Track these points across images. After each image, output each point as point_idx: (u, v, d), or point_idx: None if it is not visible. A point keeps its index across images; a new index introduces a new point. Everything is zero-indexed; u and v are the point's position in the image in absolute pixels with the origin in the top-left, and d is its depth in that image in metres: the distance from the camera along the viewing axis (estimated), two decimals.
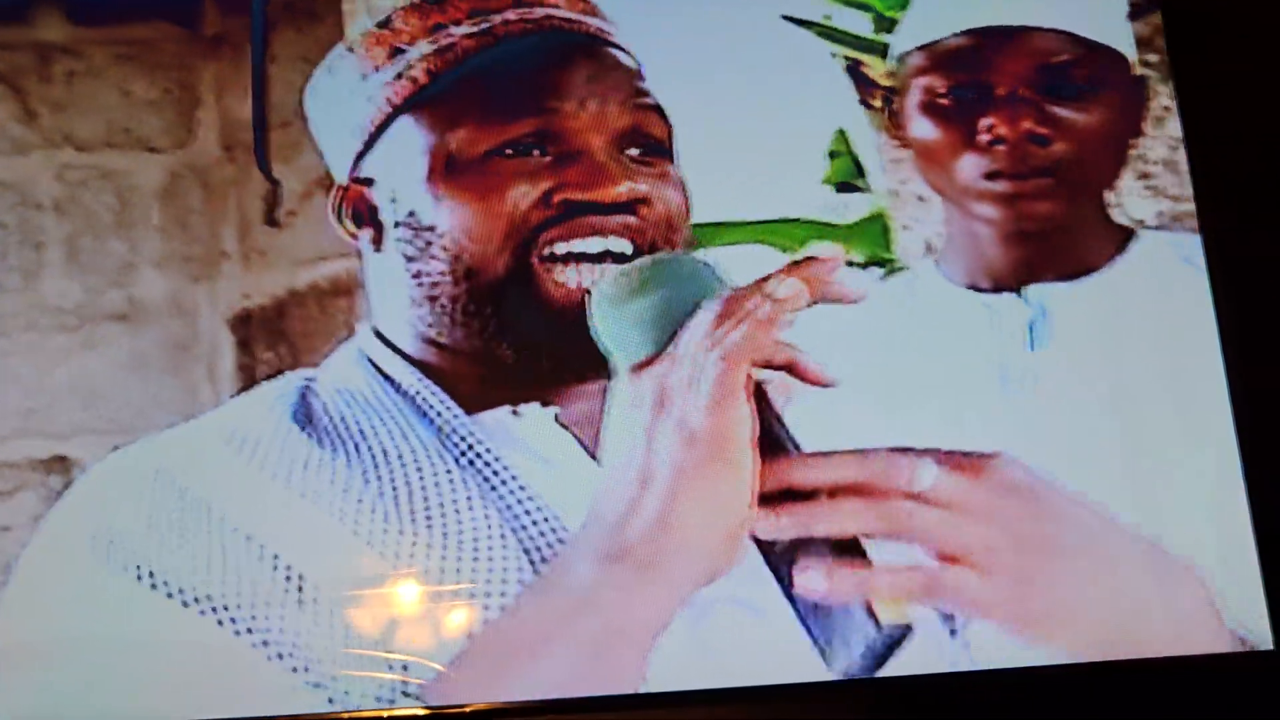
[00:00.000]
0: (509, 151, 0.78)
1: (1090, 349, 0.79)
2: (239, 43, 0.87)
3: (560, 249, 0.78)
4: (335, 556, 0.79)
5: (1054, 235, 0.80)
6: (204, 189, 0.84)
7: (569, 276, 0.77)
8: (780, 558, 0.70)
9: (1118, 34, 0.81)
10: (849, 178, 0.83)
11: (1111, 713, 0.85)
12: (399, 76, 0.80)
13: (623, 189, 0.78)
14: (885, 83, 0.84)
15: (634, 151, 0.79)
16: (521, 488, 0.77)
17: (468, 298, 0.78)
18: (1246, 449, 0.81)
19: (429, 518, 0.78)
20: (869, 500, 0.69)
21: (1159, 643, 0.73)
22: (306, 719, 0.86)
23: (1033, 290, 0.80)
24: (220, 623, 0.77)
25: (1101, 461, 0.77)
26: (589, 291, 0.74)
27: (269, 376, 0.81)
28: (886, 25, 0.83)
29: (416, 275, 0.78)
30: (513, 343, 0.78)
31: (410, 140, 0.80)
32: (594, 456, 0.78)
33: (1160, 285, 0.80)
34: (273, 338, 0.81)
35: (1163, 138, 0.80)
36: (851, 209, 0.82)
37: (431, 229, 0.79)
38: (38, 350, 0.83)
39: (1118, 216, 0.80)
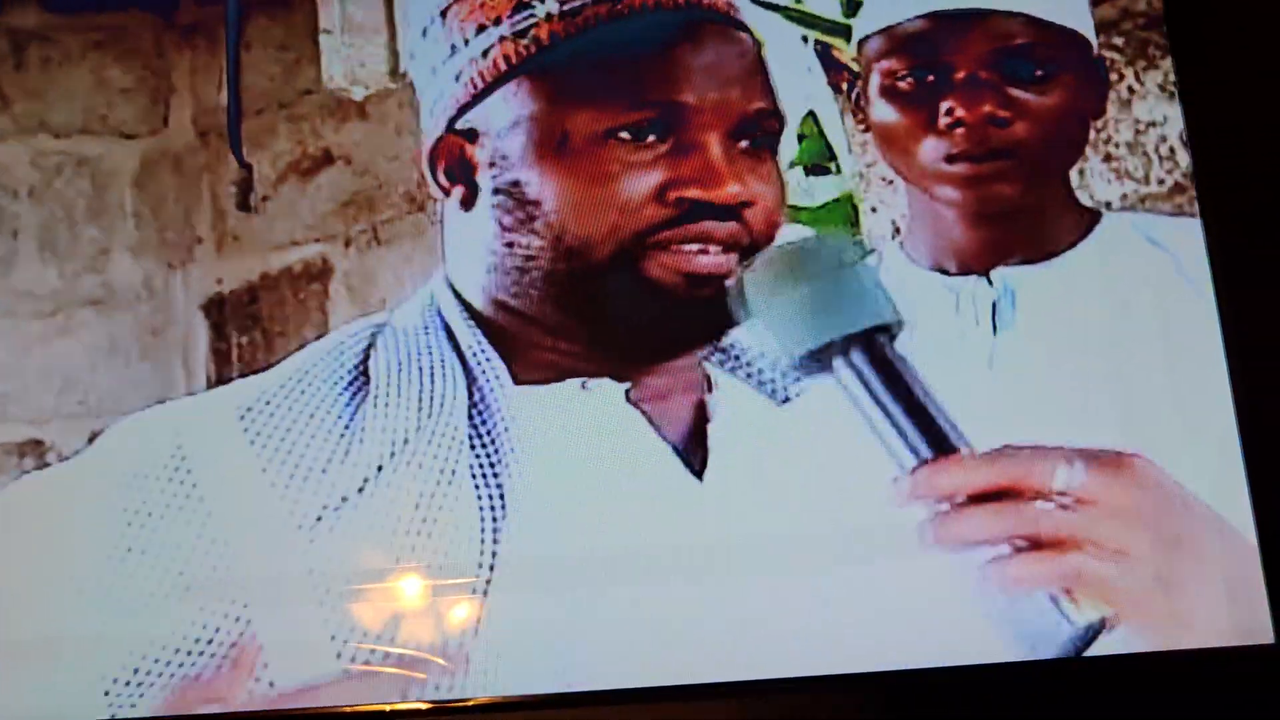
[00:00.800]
0: (624, 135, 0.78)
1: (1056, 331, 0.80)
2: (213, 30, 0.88)
3: (666, 243, 0.78)
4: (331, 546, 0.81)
5: (1017, 217, 0.81)
6: (178, 175, 0.85)
7: (669, 263, 0.77)
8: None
9: (1078, 17, 0.81)
10: (819, 160, 0.83)
11: (1112, 707, 0.84)
12: (519, 34, 0.79)
13: (733, 190, 0.78)
14: (853, 67, 0.85)
15: (744, 144, 0.79)
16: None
17: (566, 276, 0.78)
18: (1245, 438, 0.80)
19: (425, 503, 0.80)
20: (1011, 503, 0.71)
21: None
22: (307, 714, 0.86)
23: (998, 273, 0.80)
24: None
25: (1066, 442, 0.79)
26: (720, 278, 0.77)
27: (246, 360, 0.82)
28: (854, 8, 0.83)
29: (510, 244, 0.79)
30: (602, 322, 0.78)
31: (522, 105, 0.79)
32: (662, 435, 0.79)
33: (1127, 266, 0.81)
34: (246, 322, 0.82)
35: (1128, 120, 0.81)
36: (820, 191, 0.83)
37: (536, 204, 0.78)
38: (12, 336, 0.84)
39: (1083, 199, 0.81)
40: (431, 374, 0.79)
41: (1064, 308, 0.81)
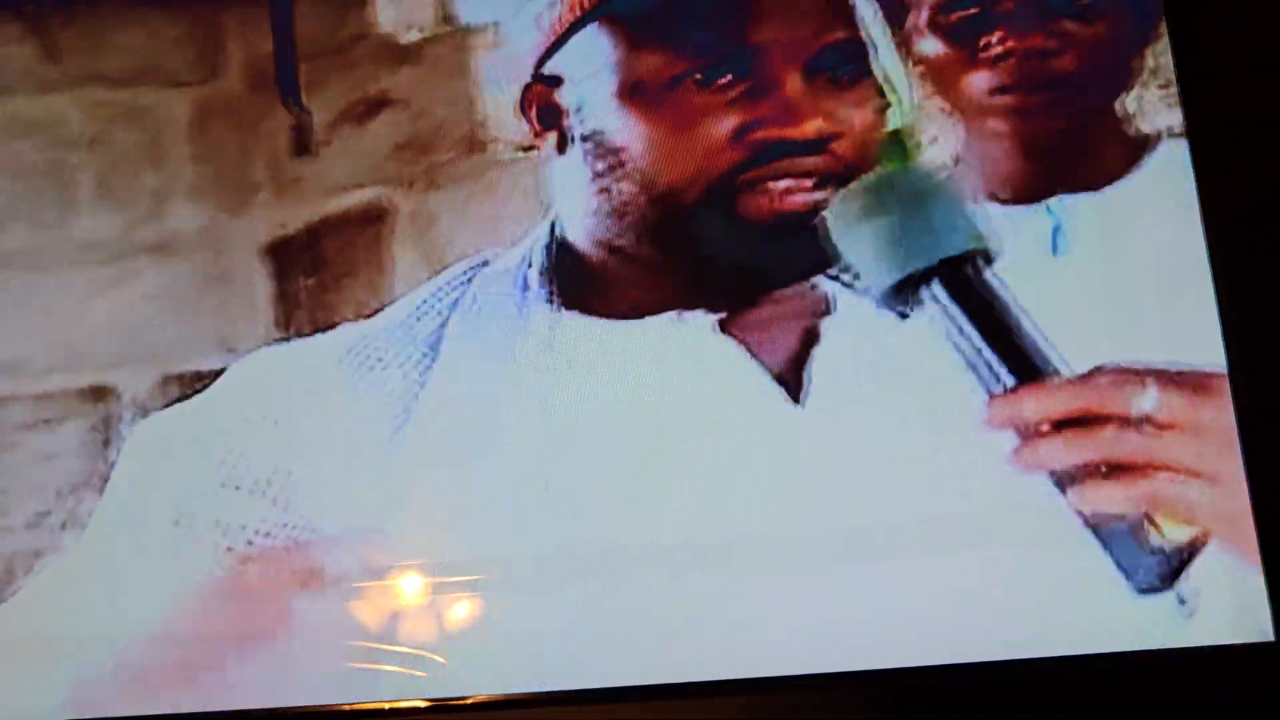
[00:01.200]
0: (698, 78, 0.79)
1: (1109, 258, 0.81)
2: None
3: (754, 182, 0.79)
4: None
5: (1068, 147, 0.82)
6: (232, 122, 0.86)
7: (761, 202, 0.79)
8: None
9: None
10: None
11: (1112, 705, 0.85)
12: None
13: (813, 125, 0.79)
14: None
15: (828, 74, 0.80)
16: None
17: (660, 218, 0.80)
18: (1245, 438, 0.80)
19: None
20: (1095, 429, 0.73)
21: None
22: (307, 713, 0.88)
23: (1054, 202, 0.81)
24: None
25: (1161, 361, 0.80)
26: (813, 213, 0.78)
27: (310, 304, 0.84)
28: None
29: (604, 190, 0.81)
30: (699, 258, 0.80)
31: (599, 51, 0.81)
32: (760, 361, 0.80)
33: (1184, 191, 0.82)
34: (310, 265, 0.82)
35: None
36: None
37: (622, 149, 0.81)
38: (76, 284, 0.84)
39: (1143, 126, 0.82)
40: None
41: (1121, 234, 0.82)
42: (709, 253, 0.81)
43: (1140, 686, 0.82)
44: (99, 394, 0.81)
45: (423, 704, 0.88)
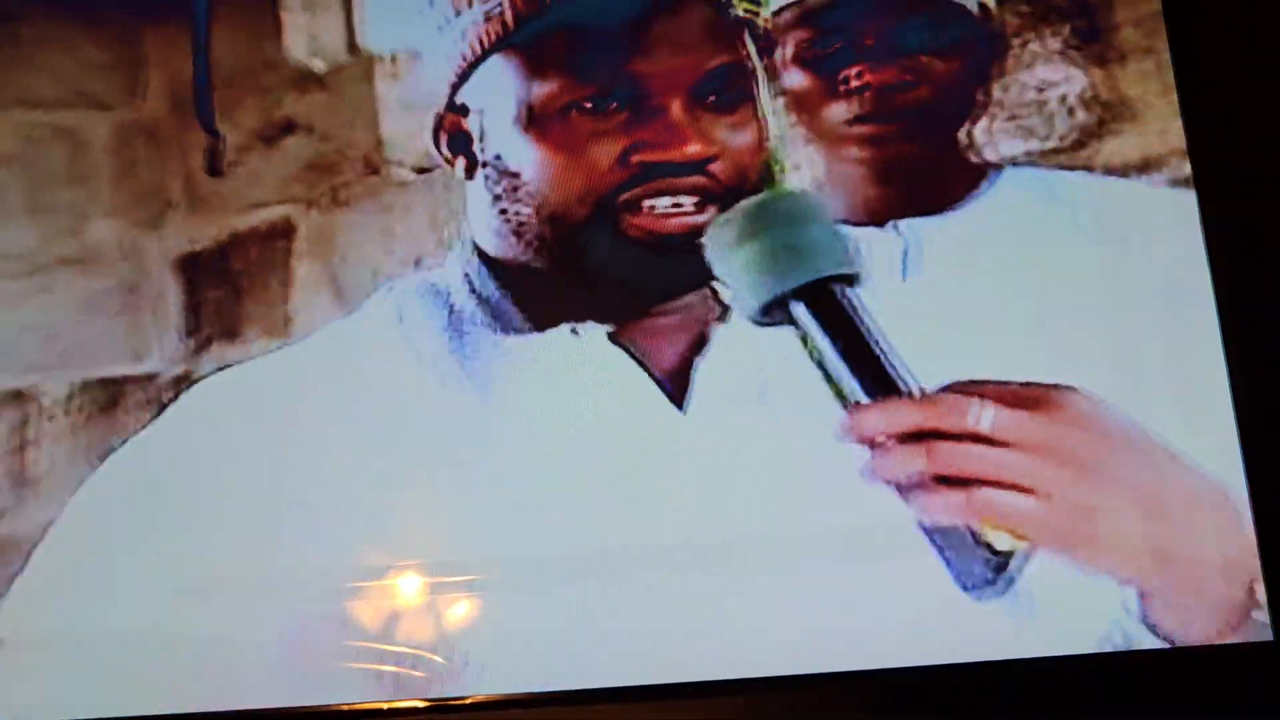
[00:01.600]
0: (588, 105, 0.85)
1: (958, 277, 0.87)
2: (182, 7, 0.94)
3: (635, 202, 0.85)
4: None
5: (918, 173, 0.88)
6: (151, 143, 0.91)
7: (643, 221, 0.85)
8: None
9: None
10: None
11: (1112, 703, 0.85)
12: (488, 17, 0.87)
13: (694, 148, 0.85)
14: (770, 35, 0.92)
15: (712, 99, 0.85)
16: None
17: (551, 237, 0.86)
18: (1244, 440, 0.83)
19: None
20: (932, 444, 0.78)
21: (1199, 567, 0.80)
22: (306, 713, 0.90)
23: (903, 223, 0.87)
24: None
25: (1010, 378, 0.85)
26: (694, 233, 0.83)
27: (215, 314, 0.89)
28: None
29: (503, 212, 0.87)
30: (586, 275, 0.86)
31: (498, 83, 0.87)
32: (647, 368, 0.86)
33: (1026, 217, 0.87)
34: (218, 278, 0.88)
35: (1032, 80, 0.88)
36: None
37: (517, 175, 0.87)
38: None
39: (986, 155, 0.88)
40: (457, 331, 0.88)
41: (968, 255, 0.88)
42: (598, 267, 0.86)
43: (1139, 686, 0.83)
44: (13, 399, 0.87)
45: (421, 704, 0.89)
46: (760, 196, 0.84)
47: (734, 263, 0.81)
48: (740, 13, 0.89)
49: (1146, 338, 0.84)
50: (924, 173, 0.87)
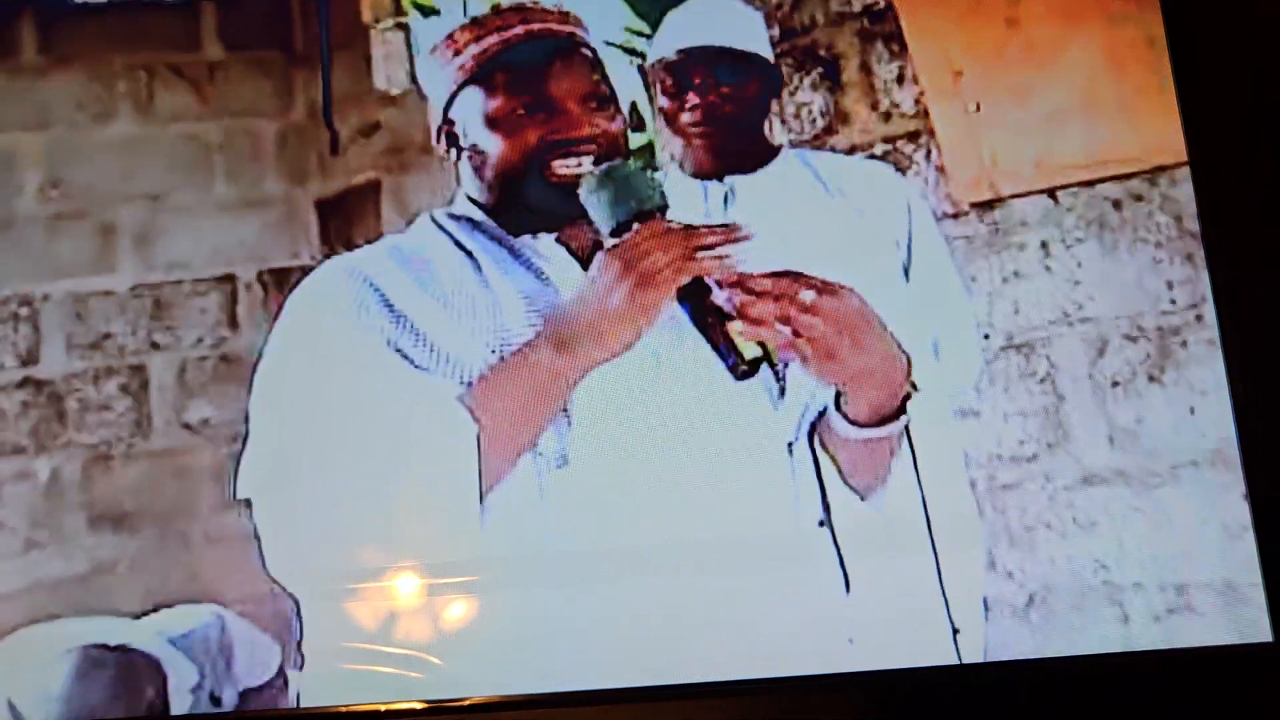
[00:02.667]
0: (521, 111, 1.29)
1: (761, 208, 1.33)
2: (313, 54, 1.54)
3: (554, 159, 1.29)
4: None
5: (734, 150, 1.37)
6: (297, 136, 1.51)
7: (555, 171, 1.29)
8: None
9: (761, 44, 1.39)
10: (639, 126, 1.45)
11: (1111, 703, 0.88)
12: (462, 66, 1.32)
13: (585, 131, 1.29)
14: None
15: (594, 105, 1.30)
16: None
17: (505, 178, 1.30)
18: (1243, 440, 1.05)
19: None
20: (777, 302, 1.14)
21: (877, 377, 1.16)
22: (306, 713, 0.96)
23: (728, 179, 1.37)
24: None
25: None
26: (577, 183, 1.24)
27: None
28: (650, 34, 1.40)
29: (478, 170, 1.32)
30: (529, 205, 1.30)
31: (472, 102, 1.31)
32: (582, 265, 1.27)
33: (797, 176, 1.36)
34: (339, 213, 1.48)
35: (794, 101, 1.44)
36: (637, 140, 1.40)
37: (485, 153, 1.31)
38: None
39: (778, 139, 1.38)
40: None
41: (767, 196, 1.35)
42: (533, 200, 1.29)
43: (1139, 685, 0.87)
44: (227, 278, 1.49)
45: (419, 705, 0.90)
46: (616, 163, 1.28)
47: (593, 201, 1.24)
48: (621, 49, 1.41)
49: (862, 251, 1.32)
50: (739, 150, 1.38)
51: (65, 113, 1.50)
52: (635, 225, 1.21)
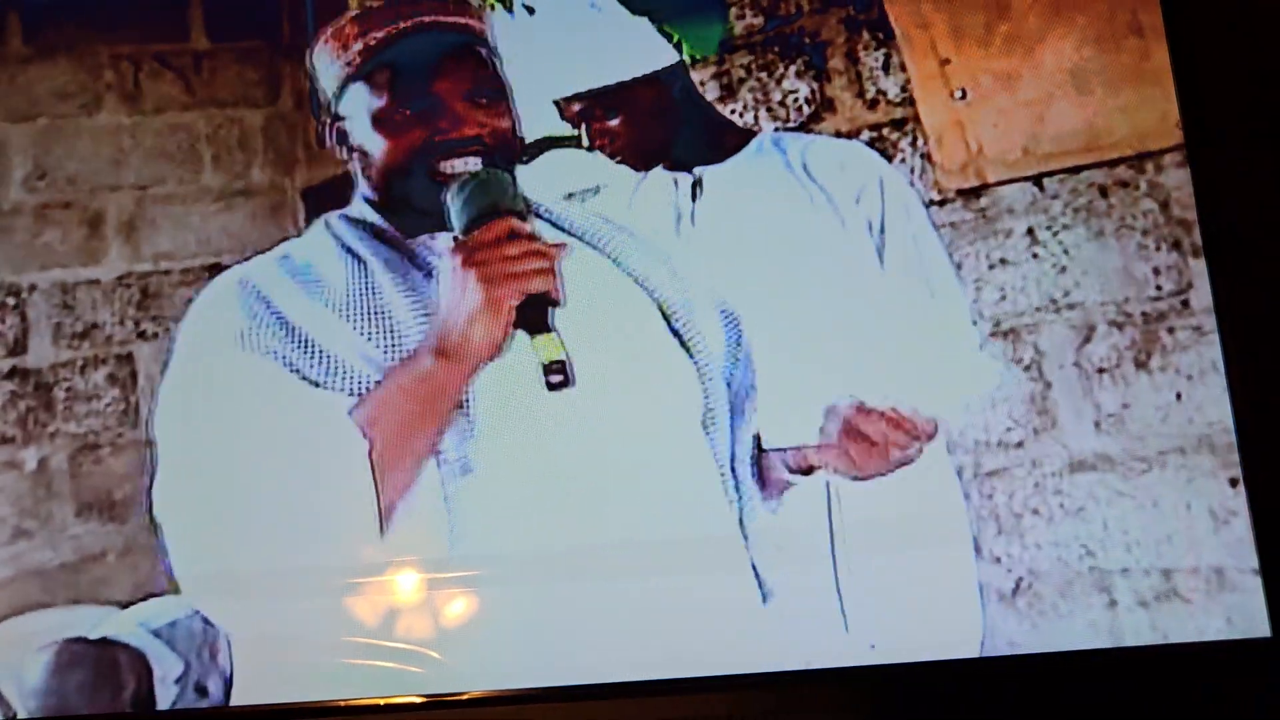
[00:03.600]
0: (408, 111, 1.30)
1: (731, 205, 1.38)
2: (301, 45, 1.54)
3: (439, 160, 1.29)
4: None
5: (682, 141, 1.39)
6: (285, 126, 1.53)
7: (443, 171, 1.29)
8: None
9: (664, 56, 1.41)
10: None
11: (1111, 699, 0.88)
12: (348, 62, 1.32)
13: (472, 130, 1.29)
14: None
15: (482, 100, 1.31)
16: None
17: (391, 179, 1.31)
18: (1243, 439, 1.05)
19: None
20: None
21: None
22: (306, 708, 0.96)
23: (697, 169, 1.38)
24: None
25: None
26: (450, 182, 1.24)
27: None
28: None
29: (364, 169, 1.33)
30: (415, 205, 1.30)
31: (357, 99, 1.32)
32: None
33: (770, 161, 1.39)
34: (325, 199, 1.49)
35: (791, 85, 1.45)
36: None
37: (370, 154, 1.32)
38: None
39: (752, 125, 1.42)
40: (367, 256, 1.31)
41: (739, 189, 1.38)
42: (418, 199, 1.29)
43: (1138, 681, 0.87)
44: (215, 267, 1.50)
45: (418, 699, 0.90)
46: (483, 170, 1.28)
47: (450, 205, 1.25)
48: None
49: (832, 235, 1.34)
50: (695, 141, 1.41)
51: (52, 103, 1.52)
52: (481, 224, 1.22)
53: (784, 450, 1.20)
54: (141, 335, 1.46)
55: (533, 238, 1.22)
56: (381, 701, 0.95)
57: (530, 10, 1.44)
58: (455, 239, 1.26)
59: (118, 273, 1.48)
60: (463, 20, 1.34)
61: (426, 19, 1.31)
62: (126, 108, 1.52)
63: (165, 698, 1.28)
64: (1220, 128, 1.16)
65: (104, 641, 1.31)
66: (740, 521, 1.22)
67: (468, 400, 1.21)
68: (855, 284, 1.27)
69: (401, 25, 1.30)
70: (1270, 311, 1.08)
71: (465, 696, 0.94)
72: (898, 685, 0.98)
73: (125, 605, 1.35)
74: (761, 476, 1.24)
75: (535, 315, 1.17)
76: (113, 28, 1.52)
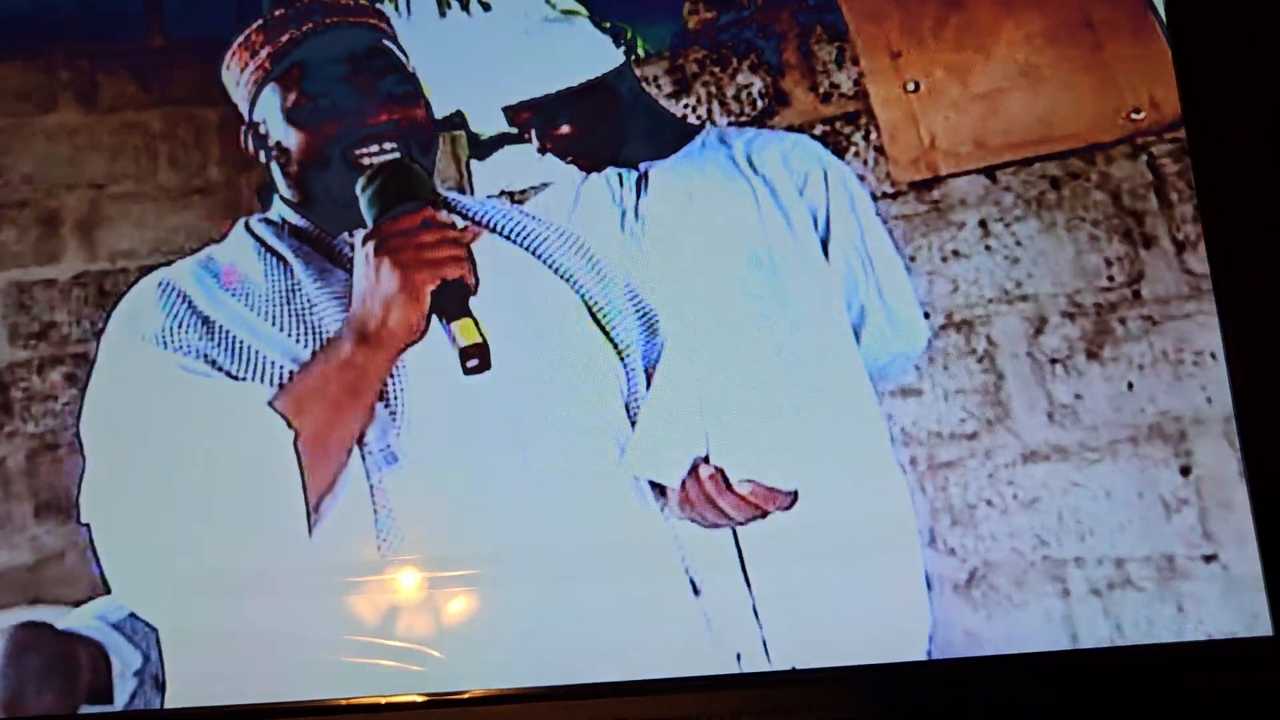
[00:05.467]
0: (320, 102, 1.32)
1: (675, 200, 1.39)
2: None
3: (356, 148, 1.31)
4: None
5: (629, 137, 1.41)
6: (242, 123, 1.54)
7: (361, 160, 1.30)
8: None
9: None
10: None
11: (1111, 697, 0.88)
12: (258, 67, 1.35)
13: (383, 118, 1.32)
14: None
15: (395, 91, 1.33)
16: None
17: (309, 173, 1.32)
18: (1244, 438, 1.04)
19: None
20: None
21: None
22: (306, 706, 0.94)
23: (643, 164, 1.39)
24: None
25: None
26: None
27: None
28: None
29: (284, 168, 1.34)
30: (334, 197, 1.31)
31: (270, 100, 1.35)
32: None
33: (716, 154, 1.40)
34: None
35: (745, 79, 1.46)
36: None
37: (288, 150, 1.34)
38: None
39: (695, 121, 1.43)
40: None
41: (683, 183, 1.39)
42: (338, 189, 1.29)
43: (1139, 679, 0.87)
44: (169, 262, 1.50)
45: (419, 698, 0.89)
46: (387, 160, 1.30)
47: (362, 196, 1.25)
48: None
49: (775, 228, 1.33)
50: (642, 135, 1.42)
51: (7, 103, 1.53)
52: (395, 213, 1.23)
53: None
54: (98, 335, 1.45)
55: (447, 225, 1.22)
56: (382, 700, 0.96)
57: (486, 6, 1.44)
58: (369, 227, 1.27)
59: (74, 272, 1.48)
60: (367, 20, 1.37)
61: (330, 19, 1.34)
62: (82, 107, 1.53)
63: (124, 690, 1.29)
64: (1220, 114, 1.17)
65: (60, 631, 1.30)
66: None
67: (393, 390, 1.22)
68: (798, 279, 1.26)
69: (305, 27, 1.34)
70: (1272, 300, 1.09)
71: (466, 695, 0.94)
72: (881, 685, 1.00)
73: (83, 604, 1.35)
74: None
75: (452, 300, 1.17)
76: (68, 27, 1.53)
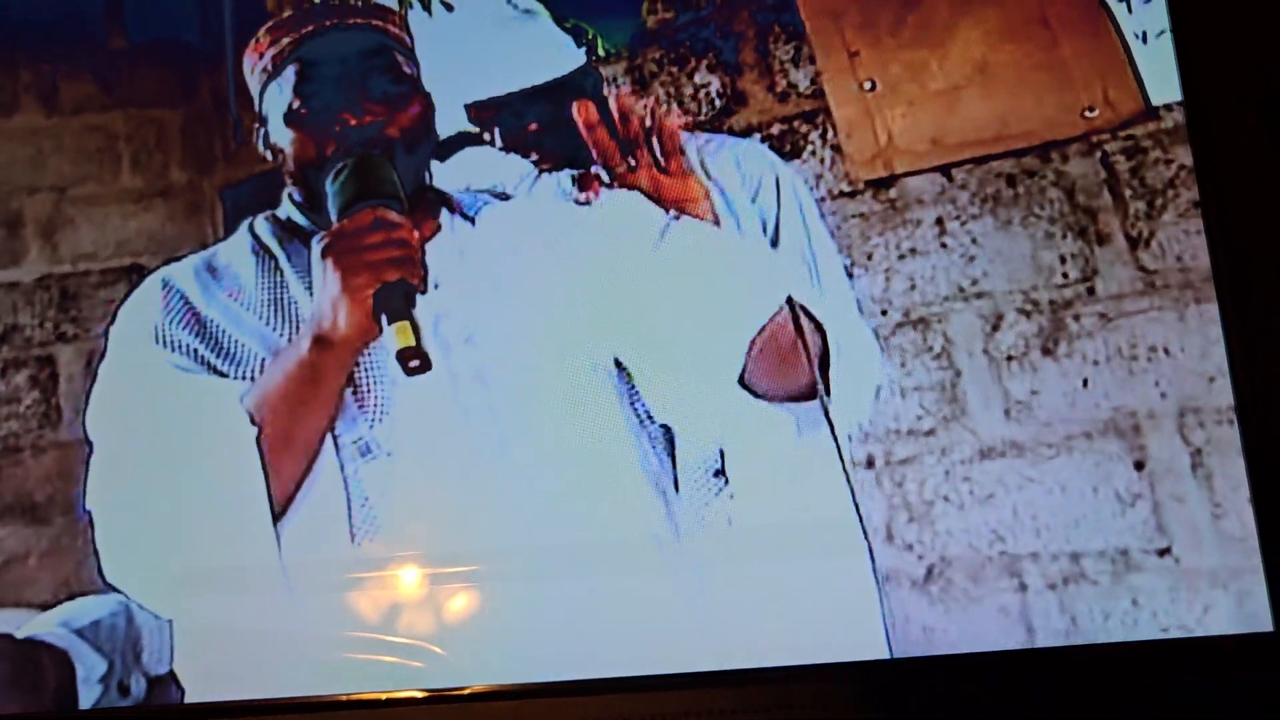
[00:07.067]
0: (314, 105, 1.35)
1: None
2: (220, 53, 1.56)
3: (342, 149, 1.32)
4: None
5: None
6: (203, 125, 1.53)
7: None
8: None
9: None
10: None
11: (1112, 694, 0.88)
12: (264, 68, 1.39)
13: (370, 118, 1.33)
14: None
15: (391, 93, 1.35)
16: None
17: (306, 174, 1.35)
18: (1245, 436, 1.02)
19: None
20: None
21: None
22: (307, 702, 0.95)
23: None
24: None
25: None
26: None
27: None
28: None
29: (282, 167, 1.38)
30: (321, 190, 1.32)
31: (272, 100, 1.38)
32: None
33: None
34: (247, 201, 1.49)
35: (703, 79, 1.47)
36: None
37: (284, 151, 1.37)
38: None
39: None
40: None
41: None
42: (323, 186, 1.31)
43: (1139, 675, 0.87)
44: (136, 268, 1.50)
45: (420, 694, 0.89)
46: (355, 155, 1.32)
47: (329, 191, 1.28)
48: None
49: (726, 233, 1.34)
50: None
51: None
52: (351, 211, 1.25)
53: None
54: (62, 337, 1.46)
55: (396, 225, 1.23)
56: (383, 696, 0.95)
57: (449, 7, 1.45)
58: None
59: (37, 274, 1.48)
60: (373, 21, 1.38)
61: (331, 21, 1.36)
62: (44, 109, 1.53)
63: (89, 696, 1.29)
64: (1220, 102, 1.16)
65: (24, 640, 1.30)
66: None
67: (365, 382, 1.23)
68: (748, 280, 1.28)
69: (310, 28, 1.36)
70: (1273, 293, 1.08)
71: (466, 691, 0.94)
72: (905, 680, 1.00)
73: (49, 608, 1.36)
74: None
75: (392, 302, 1.16)
76: (28, 29, 1.54)
